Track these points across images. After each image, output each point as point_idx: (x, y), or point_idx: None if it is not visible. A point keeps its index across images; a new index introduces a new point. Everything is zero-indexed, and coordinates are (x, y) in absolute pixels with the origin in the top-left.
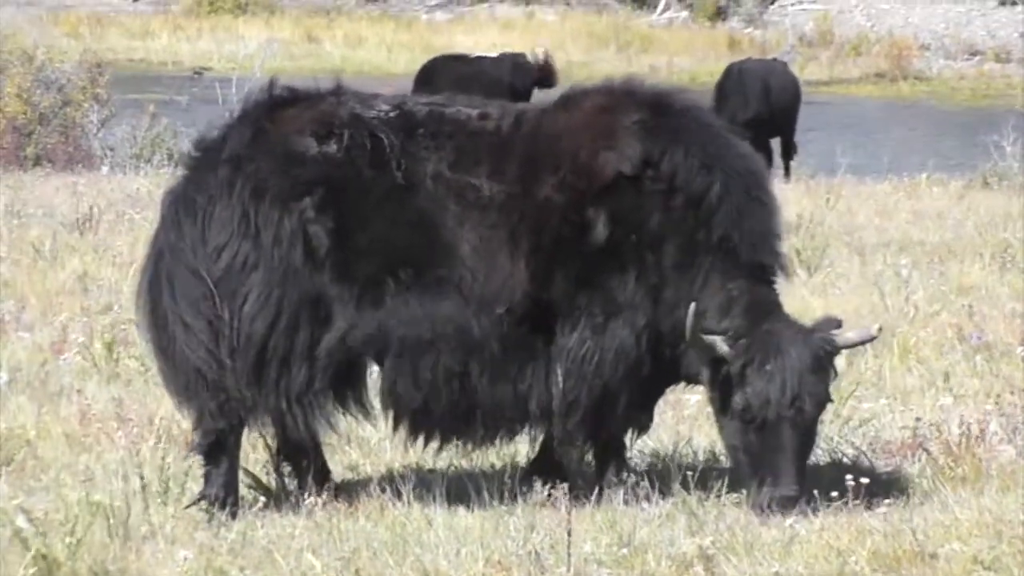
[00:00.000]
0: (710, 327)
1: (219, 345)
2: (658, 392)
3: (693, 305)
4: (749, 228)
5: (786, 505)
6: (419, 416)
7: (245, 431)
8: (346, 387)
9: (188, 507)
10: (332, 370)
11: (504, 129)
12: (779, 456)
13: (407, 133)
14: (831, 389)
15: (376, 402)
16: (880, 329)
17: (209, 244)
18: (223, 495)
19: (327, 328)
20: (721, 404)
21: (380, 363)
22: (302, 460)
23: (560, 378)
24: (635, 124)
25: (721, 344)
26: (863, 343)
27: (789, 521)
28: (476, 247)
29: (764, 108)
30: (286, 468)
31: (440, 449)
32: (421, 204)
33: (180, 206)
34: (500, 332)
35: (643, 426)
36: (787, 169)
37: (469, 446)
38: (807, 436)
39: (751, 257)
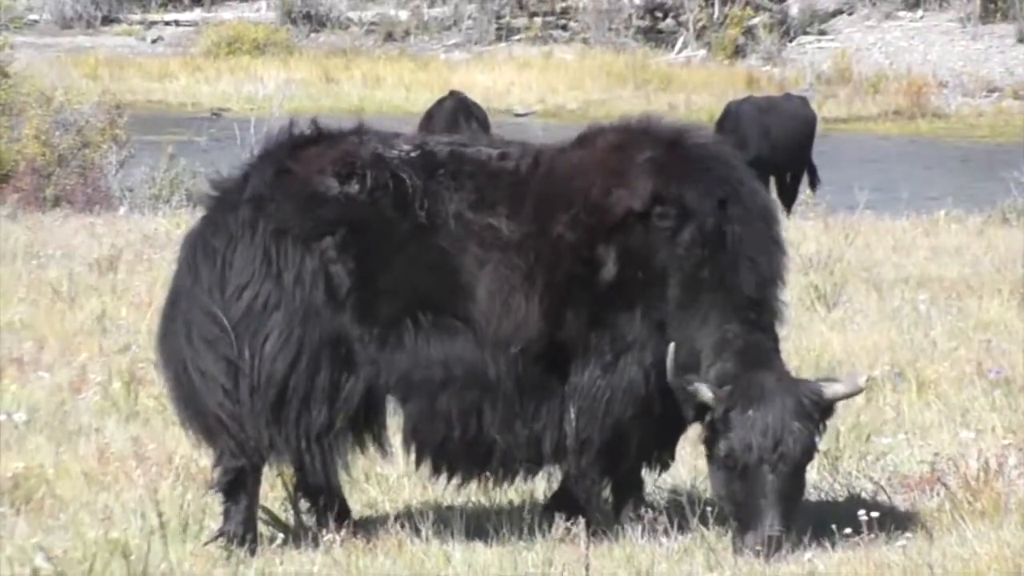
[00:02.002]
0: (702, 367)
1: (238, 385)
2: (676, 428)
3: (672, 347)
4: (754, 269)
5: (769, 544)
6: (438, 455)
7: (264, 469)
8: (365, 427)
9: (207, 544)
10: (352, 411)
11: (522, 169)
12: (762, 501)
13: (428, 173)
14: (817, 440)
15: (396, 440)
16: (868, 380)
17: (230, 284)
18: (242, 532)
19: (348, 368)
20: (708, 453)
21: (401, 403)
22: (321, 497)
23: (573, 416)
24: (647, 161)
25: (705, 391)
26: (852, 395)
27: (808, 556)
28: (494, 287)
29: (764, 147)
30: (304, 505)
31: (460, 486)
32: (442, 245)
33: (198, 248)
34: (515, 372)
35: (663, 462)
36: (788, 209)
37: (487, 484)
38: (793, 483)
39: (753, 298)
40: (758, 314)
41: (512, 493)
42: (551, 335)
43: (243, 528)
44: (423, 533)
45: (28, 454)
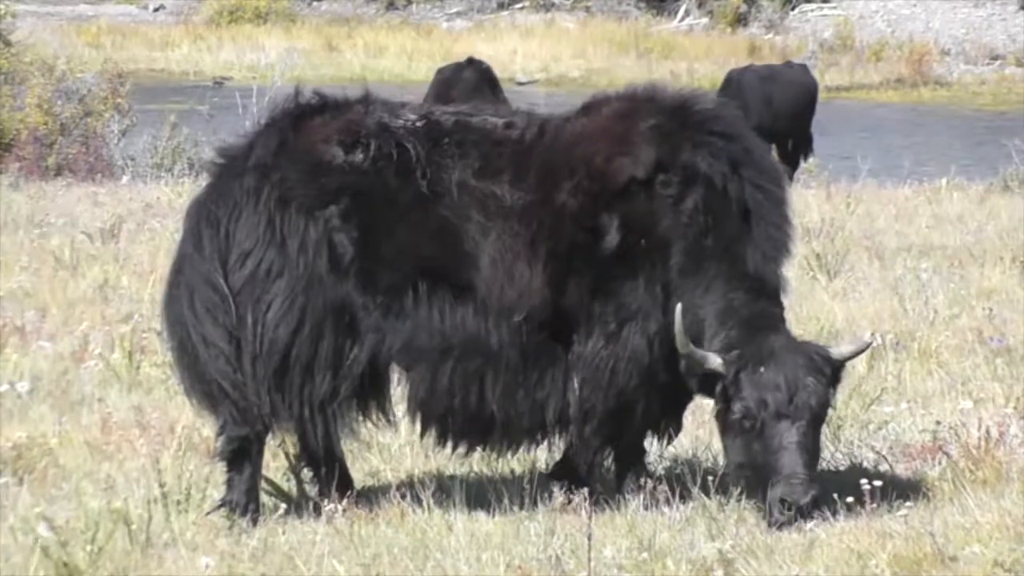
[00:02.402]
0: (705, 335)
1: (240, 352)
2: (681, 398)
3: (679, 309)
4: (759, 238)
5: (801, 510)
6: (442, 423)
7: (267, 439)
8: (369, 396)
9: (209, 513)
10: (356, 379)
11: (527, 137)
12: (784, 454)
13: (433, 142)
14: (831, 396)
15: (399, 409)
16: (873, 335)
17: (233, 252)
18: (244, 502)
19: (351, 337)
20: (721, 423)
21: (405, 372)
22: (323, 467)
23: (576, 385)
24: (651, 129)
25: (713, 358)
26: (859, 353)
27: (809, 525)
28: (497, 255)
29: (766, 116)
30: (306, 475)
31: (465, 455)
32: (445, 213)
33: (202, 216)
34: (518, 340)
35: (669, 432)
36: (790, 177)
37: (492, 452)
38: (812, 435)
39: (757, 268)
40: (763, 283)
41: (514, 462)
42: (554, 303)
43: (246, 498)
44: (425, 502)
45: (31, 424)
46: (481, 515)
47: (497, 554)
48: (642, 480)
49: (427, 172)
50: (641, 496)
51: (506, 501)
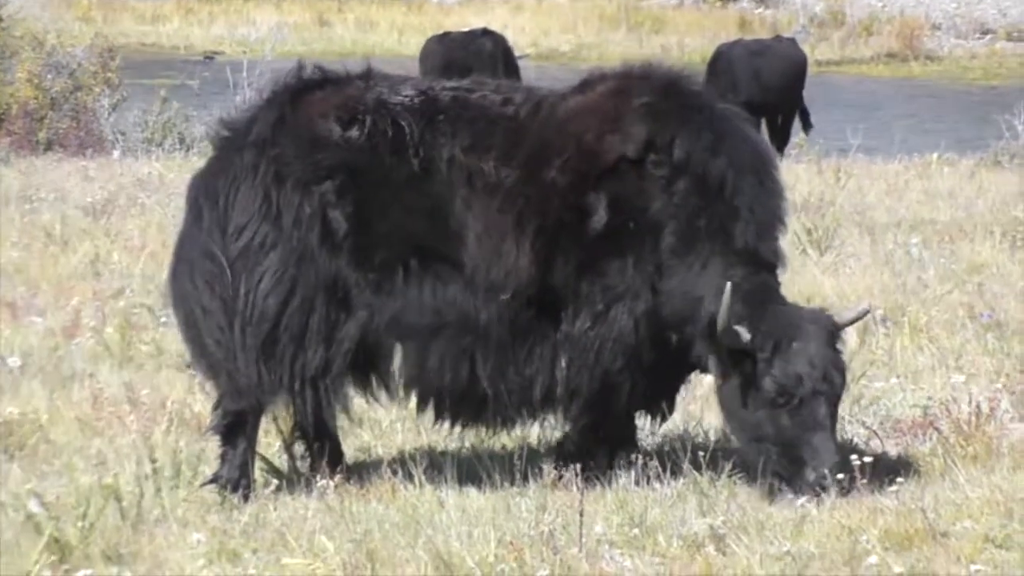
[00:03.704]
0: (702, 313)
1: (232, 324)
2: (675, 378)
3: (728, 288)
4: (752, 215)
5: (833, 475)
6: (438, 401)
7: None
8: (367, 371)
9: (202, 486)
10: (350, 354)
11: (522, 114)
12: (817, 433)
13: (429, 118)
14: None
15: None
16: (871, 304)
17: (231, 224)
18: (237, 477)
19: (344, 312)
20: (743, 397)
21: (400, 348)
22: (315, 443)
23: (563, 365)
24: (642, 107)
25: (744, 333)
26: (859, 319)
27: (800, 501)
28: (483, 232)
29: (755, 91)
30: (298, 451)
31: (462, 432)
32: (436, 189)
33: (201, 191)
34: (506, 317)
35: (662, 412)
36: (780, 152)
37: (486, 429)
38: (836, 411)
39: (753, 244)
40: (759, 257)
41: (505, 438)
42: (541, 282)
43: (238, 473)
44: (416, 478)
45: (22, 399)
46: (472, 491)
47: (488, 530)
48: (632, 456)
49: (420, 149)
50: (632, 472)
51: (497, 477)
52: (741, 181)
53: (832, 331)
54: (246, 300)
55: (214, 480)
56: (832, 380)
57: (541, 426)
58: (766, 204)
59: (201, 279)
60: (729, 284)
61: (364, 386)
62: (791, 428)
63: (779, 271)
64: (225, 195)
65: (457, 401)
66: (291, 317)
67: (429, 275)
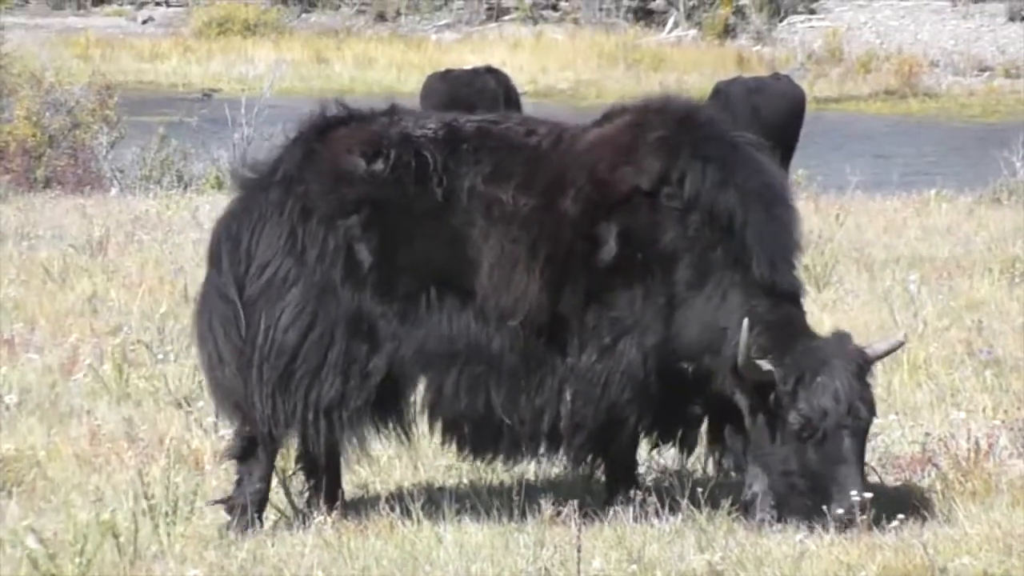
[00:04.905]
0: (726, 344)
1: (250, 362)
2: (691, 408)
3: (745, 324)
4: (767, 246)
5: (857, 511)
6: (454, 429)
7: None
8: (387, 406)
9: (211, 504)
10: (374, 388)
11: (544, 145)
12: (843, 467)
13: (452, 149)
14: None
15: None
16: (907, 335)
17: (253, 264)
18: (245, 503)
19: (371, 344)
20: (769, 430)
21: (421, 378)
22: (314, 478)
23: (568, 398)
24: (657, 140)
25: (768, 366)
26: (893, 351)
27: (799, 536)
28: (497, 260)
29: (754, 128)
30: (298, 485)
31: (482, 463)
32: (456, 219)
33: (223, 234)
34: (518, 346)
35: (687, 443)
36: None
37: (505, 460)
38: (864, 446)
39: (770, 275)
40: (779, 287)
41: (503, 474)
42: (551, 310)
43: (249, 499)
44: (414, 514)
45: (19, 436)
46: (470, 527)
47: (486, 566)
48: (631, 492)
49: (443, 179)
50: (630, 508)
51: (495, 512)
52: (752, 212)
53: (860, 364)
54: (265, 335)
55: (224, 502)
56: (858, 414)
57: (551, 460)
58: (778, 234)
59: (218, 323)
60: (746, 320)
61: (385, 418)
62: (817, 462)
63: (801, 299)
64: (249, 234)
65: (474, 430)
66: (309, 351)
67: (447, 304)
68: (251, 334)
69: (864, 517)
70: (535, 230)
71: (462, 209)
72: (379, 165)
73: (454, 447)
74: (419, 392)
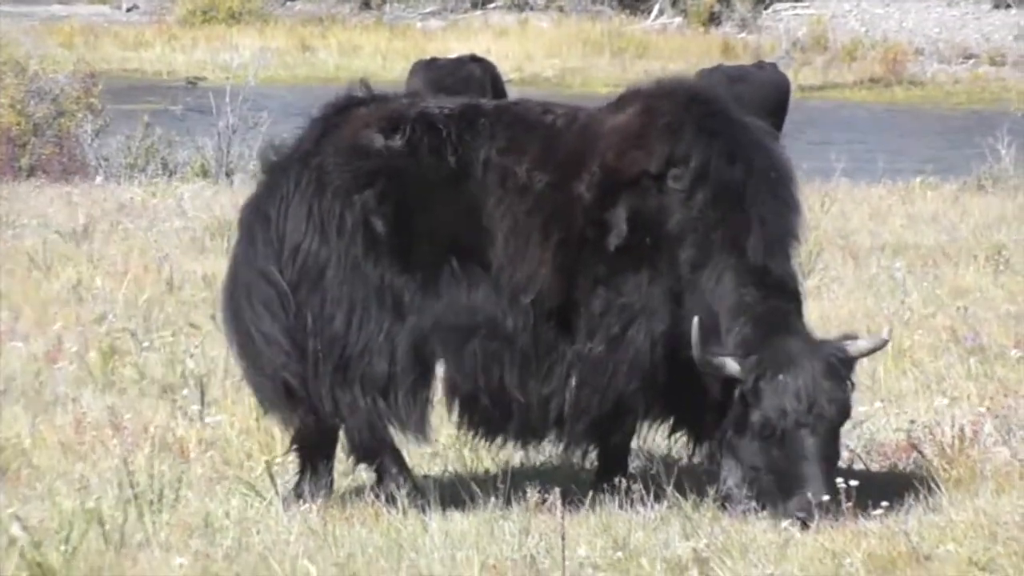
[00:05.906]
0: (722, 332)
1: (301, 347)
2: (699, 395)
3: (696, 321)
4: (767, 227)
5: (813, 509)
6: (470, 404)
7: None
8: (431, 378)
9: (285, 498)
10: (409, 362)
11: (559, 124)
12: (803, 465)
13: (468, 123)
14: (850, 399)
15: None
16: (891, 332)
17: (286, 246)
18: (311, 492)
19: (397, 319)
20: (736, 426)
21: (441, 353)
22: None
23: (573, 385)
24: (665, 124)
25: (731, 364)
26: (876, 350)
27: (784, 523)
28: (512, 230)
29: None
30: (279, 475)
31: (494, 444)
32: (472, 189)
33: (254, 216)
34: (529, 325)
35: (696, 430)
36: None
37: (516, 442)
38: (830, 444)
39: (764, 260)
40: (771, 275)
41: (488, 462)
42: (562, 293)
43: (314, 489)
44: (399, 502)
45: (4, 424)
46: (456, 515)
47: (472, 553)
48: (617, 479)
49: (458, 149)
50: (616, 495)
51: (480, 500)
52: (758, 191)
53: (831, 362)
54: (315, 327)
55: (296, 488)
56: (821, 412)
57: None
58: (778, 219)
59: (260, 303)
60: (696, 319)
61: (430, 394)
62: (780, 459)
63: (800, 289)
64: (277, 216)
65: (490, 406)
66: (354, 335)
67: (464, 275)
68: (300, 323)
69: (822, 504)
70: (548, 208)
71: (477, 180)
72: (396, 139)
73: (467, 426)
74: (442, 368)
